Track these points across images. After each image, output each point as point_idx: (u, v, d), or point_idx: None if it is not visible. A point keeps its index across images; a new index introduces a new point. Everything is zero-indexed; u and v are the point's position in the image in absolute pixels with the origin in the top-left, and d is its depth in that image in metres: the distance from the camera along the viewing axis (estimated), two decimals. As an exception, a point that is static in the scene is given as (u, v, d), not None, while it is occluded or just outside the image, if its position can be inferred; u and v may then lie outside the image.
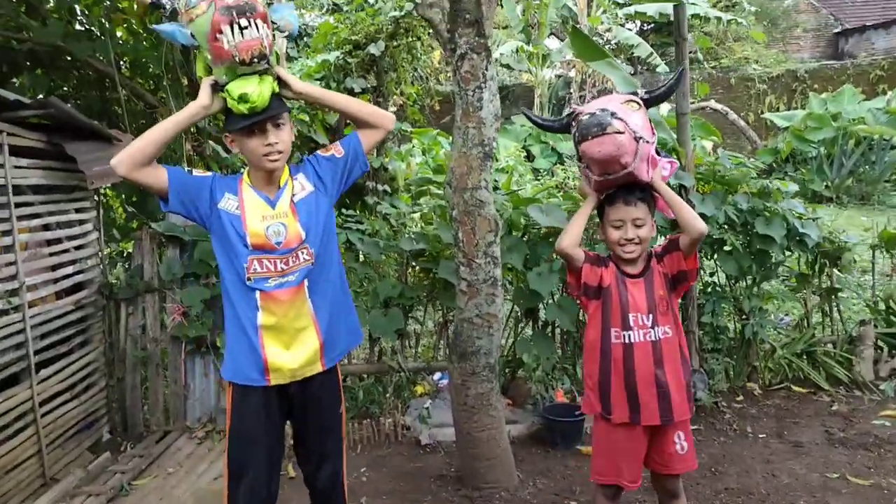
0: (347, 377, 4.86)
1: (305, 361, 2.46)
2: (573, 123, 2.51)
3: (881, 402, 4.53)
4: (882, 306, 5.05)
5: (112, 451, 4.28)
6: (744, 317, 4.68)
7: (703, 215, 4.38)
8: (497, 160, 12.24)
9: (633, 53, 16.29)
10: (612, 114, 2.37)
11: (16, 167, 3.76)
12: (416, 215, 6.88)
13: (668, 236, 2.55)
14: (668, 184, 2.66)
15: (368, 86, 6.12)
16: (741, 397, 4.64)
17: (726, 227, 4.49)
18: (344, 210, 5.09)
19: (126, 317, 4.62)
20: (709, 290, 4.74)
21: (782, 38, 22.50)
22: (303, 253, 2.43)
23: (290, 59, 6.68)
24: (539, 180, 12.41)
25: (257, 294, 2.40)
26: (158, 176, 2.35)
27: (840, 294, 4.96)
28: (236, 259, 2.40)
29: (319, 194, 2.51)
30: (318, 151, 2.61)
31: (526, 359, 4.58)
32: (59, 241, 4.24)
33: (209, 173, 2.52)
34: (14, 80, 6.12)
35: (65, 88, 6.56)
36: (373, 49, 5.90)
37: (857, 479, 3.58)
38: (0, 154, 3.62)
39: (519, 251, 4.46)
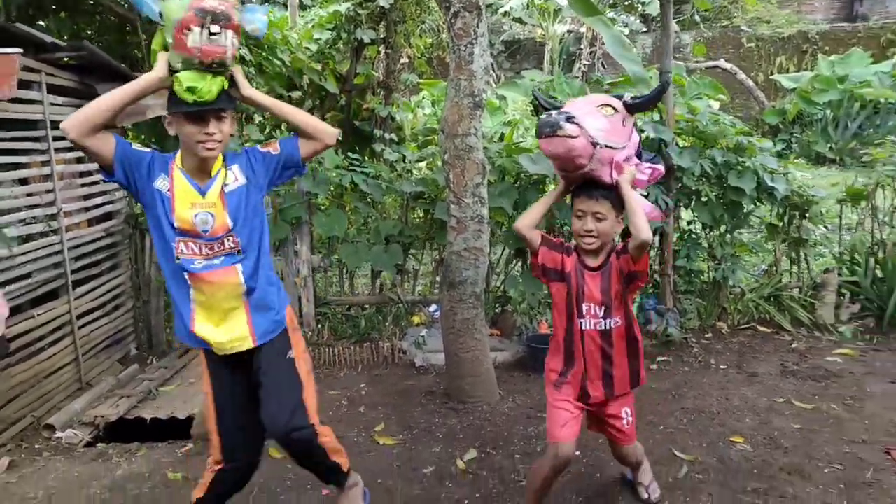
0: (351, 307, 5.33)
1: (234, 338, 2.51)
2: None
3: (838, 342, 4.94)
4: (847, 257, 5.44)
5: (139, 363, 4.79)
6: (716, 262, 5.08)
7: (680, 167, 4.78)
8: (504, 113, 12.53)
9: (644, 11, 16.36)
10: (570, 118, 2.44)
11: (52, 104, 4.17)
12: (423, 164, 7.25)
13: (625, 241, 2.58)
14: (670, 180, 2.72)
15: (378, 37, 6.43)
16: (710, 335, 5.08)
17: (703, 179, 4.85)
18: (350, 154, 5.48)
19: (150, 245, 5.07)
20: (685, 236, 5.14)
21: (796, -3, 22.33)
22: (229, 241, 2.47)
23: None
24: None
25: (185, 274, 2.45)
26: (106, 144, 2.33)
27: (809, 244, 5.33)
28: (166, 238, 2.44)
29: (251, 187, 2.52)
30: (258, 146, 2.63)
31: (513, 294, 5.01)
32: (89, 173, 4.67)
33: (148, 150, 2.49)
34: (40, 21, 6.48)
35: (87, 32, 6.90)
36: (382, 1, 6.20)
37: (800, 403, 4.02)
38: (39, 92, 4.04)
39: (510, 196, 4.86)
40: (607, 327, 2.65)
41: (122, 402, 4.12)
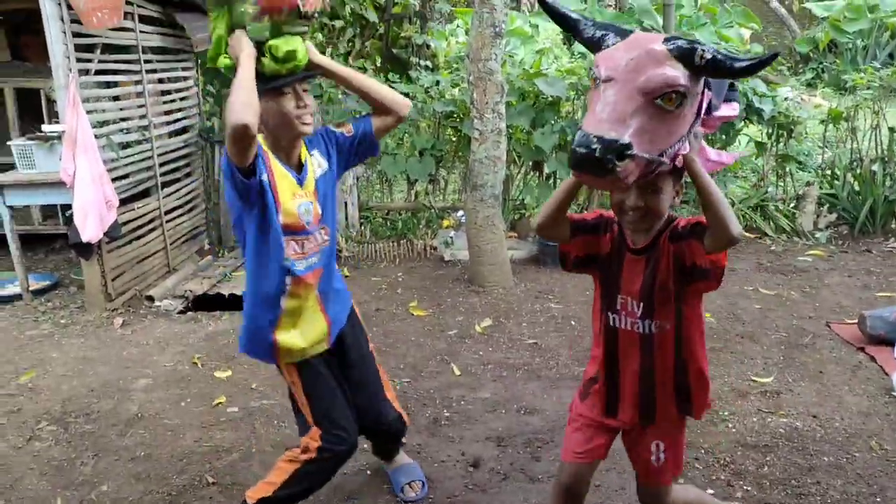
0: (390, 212, 6.17)
1: (315, 339, 2.31)
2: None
3: (813, 245, 5.67)
4: (828, 171, 6.10)
5: (213, 255, 5.72)
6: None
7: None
8: (536, 41, 12.99)
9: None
10: (622, 153, 1.52)
11: (142, 32, 4.97)
12: (456, 89, 7.95)
13: (699, 221, 1.78)
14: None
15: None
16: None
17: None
18: (389, 77, 6.21)
19: (219, 156, 5.93)
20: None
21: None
22: (322, 233, 2.28)
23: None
24: (573, 62, 13.17)
25: (288, 280, 2.20)
26: (255, 146, 2.02)
27: (793, 160, 5.99)
28: (273, 236, 2.16)
29: (330, 172, 2.33)
30: (330, 126, 2.40)
31: (528, 200, 5.80)
32: (169, 92, 5.50)
33: None
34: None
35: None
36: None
37: (765, 290, 4.79)
38: (132, 21, 4.83)
39: (527, 115, 5.60)
40: (646, 331, 1.91)
41: (204, 281, 5.05)
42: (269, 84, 2.09)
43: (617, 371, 1.99)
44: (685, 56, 1.55)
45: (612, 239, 1.95)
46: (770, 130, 5.88)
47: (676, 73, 1.55)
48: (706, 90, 1.70)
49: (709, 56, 1.54)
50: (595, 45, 1.68)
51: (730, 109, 1.88)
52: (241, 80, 1.99)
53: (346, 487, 2.75)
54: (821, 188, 5.95)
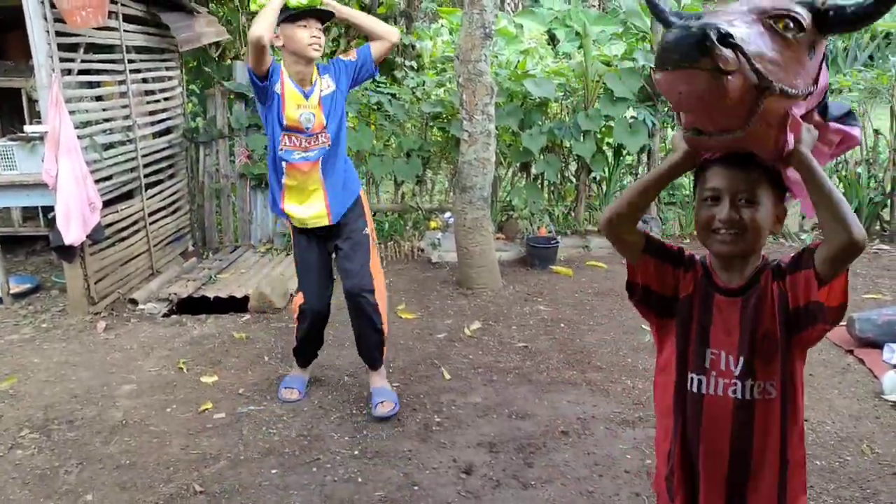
0: (376, 213, 6.12)
1: (314, 215, 3.17)
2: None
3: (798, 247, 5.68)
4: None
5: (196, 257, 5.64)
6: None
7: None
8: (521, 41, 12.98)
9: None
10: (724, 35, 1.20)
11: (125, 31, 4.89)
12: (441, 90, 7.93)
13: (807, 246, 1.45)
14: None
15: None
16: (688, 240, 5.84)
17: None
18: (377, 79, 6.17)
19: (203, 157, 5.87)
20: (669, 153, 5.83)
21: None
22: (322, 136, 3.09)
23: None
24: (557, 62, 13.19)
25: (283, 164, 3.09)
26: (268, 54, 2.90)
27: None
28: (274, 133, 3.07)
29: (338, 92, 3.11)
30: (340, 56, 3.20)
31: (517, 202, 5.78)
32: (153, 92, 5.42)
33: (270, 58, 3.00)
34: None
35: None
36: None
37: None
38: (116, 20, 4.75)
39: (515, 116, 5.58)
40: (747, 396, 1.51)
41: (189, 284, 4.98)
42: (291, 13, 2.89)
43: (697, 453, 1.56)
44: (807, 3, 1.37)
45: (696, 279, 1.56)
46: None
47: (795, 6, 1.35)
48: (824, 66, 1.45)
49: (827, 2, 1.37)
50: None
51: (852, 130, 1.59)
52: (267, 7, 2.84)
53: (336, 496, 2.70)
54: (806, 190, 5.97)
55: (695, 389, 1.55)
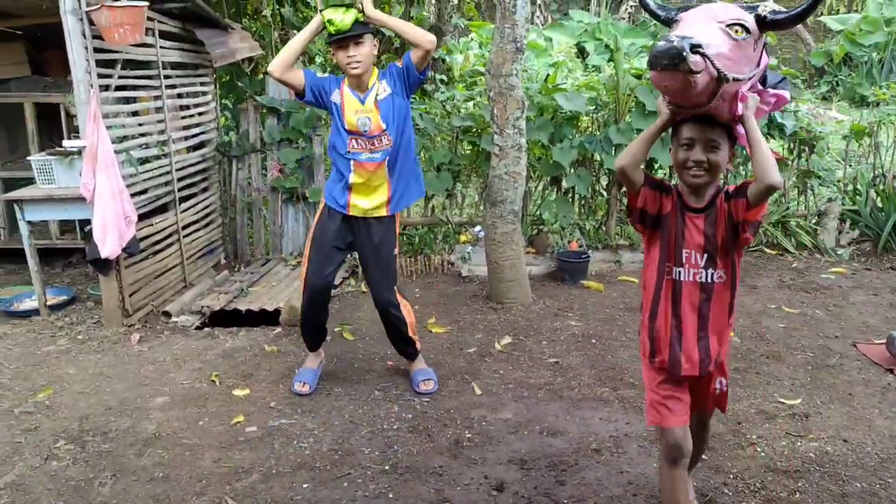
0: (406, 227, 6.13)
1: (376, 206, 3.48)
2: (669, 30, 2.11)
3: (835, 263, 5.59)
4: (850, 187, 6.02)
5: (228, 270, 5.69)
6: (730, 191, 5.72)
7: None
8: (550, 55, 12.98)
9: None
10: (694, 46, 1.88)
11: (162, 47, 4.97)
12: (471, 103, 7.94)
13: (745, 181, 2.18)
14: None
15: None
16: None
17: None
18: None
19: (236, 170, 5.93)
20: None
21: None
22: (384, 138, 3.37)
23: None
24: (587, 75, 13.16)
25: (352, 162, 3.40)
26: (298, 76, 3.36)
27: (815, 176, 5.91)
28: (341, 136, 3.40)
29: (395, 95, 3.38)
30: (396, 62, 3.46)
31: (547, 216, 5.75)
32: (187, 107, 5.50)
33: (327, 75, 3.48)
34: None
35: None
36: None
37: (789, 308, 4.71)
38: (153, 37, 4.83)
39: (546, 130, 5.55)
40: (708, 279, 2.22)
41: (221, 297, 5.02)
42: (329, 39, 3.30)
43: (678, 321, 2.27)
44: (751, 9, 2.07)
45: (674, 202, 2.26)
46: (791, 146, 5.81)
47: (744, 14, 2.05)
48: (764, 52, 2.15)
49: (767, 11, 2.05)
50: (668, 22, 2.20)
51: (783, 92, 2.32)
52: (293, 40, 3.37)
53: (368, 511, 2.70)
54: (842, 204, 5.87)
55: (675, 277, 2.26)
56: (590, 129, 5.85)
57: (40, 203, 4.65)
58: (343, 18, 3.20)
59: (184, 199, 5.32)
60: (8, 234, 5.87)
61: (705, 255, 2.21)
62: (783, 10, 2.07)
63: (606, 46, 15.78)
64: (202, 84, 5.62)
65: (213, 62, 5.38)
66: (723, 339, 2.30)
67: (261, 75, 7.00)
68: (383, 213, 3.50)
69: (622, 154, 2.25)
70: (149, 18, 4.65)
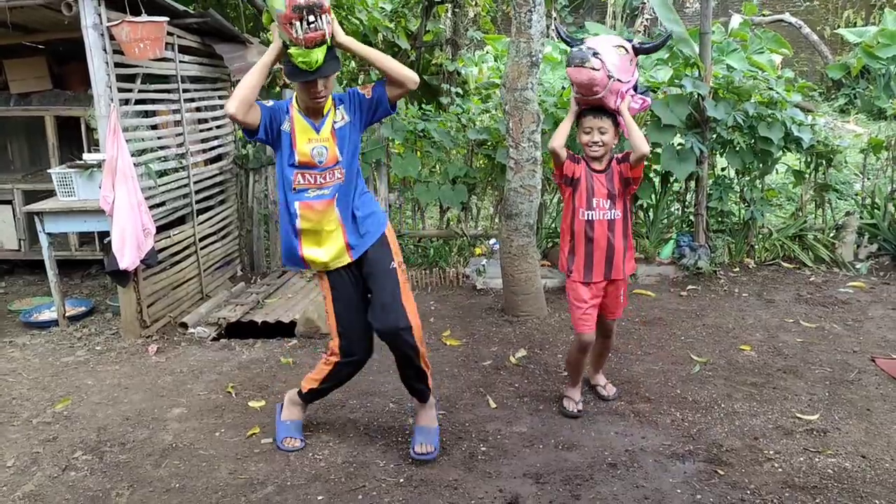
0: (421, 239, 6.15)
1: (334, 256, 2.99)
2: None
3: (853, 277, 5.54)
4: (868, 201, 5.97)
5: (244, 282, 5.73)
6: (746, 204, 5.71)
7: (714, 118, 5.39)
8: (564, 68, 12.98)
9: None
10: (595, 53, 3.02)
11: (181, 62, 5.03)
12: (486, 116, 7.97)
13: (627, 150, 3.26)
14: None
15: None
16: (737, 269, 5.73)
17: (735, 129, 5.45)
18: (423, 105, 6.23)
19: (253, 183, 5.98)
20: (718, 181, 5.76)
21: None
22: (336, 172, 2.92)
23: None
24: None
25: (296, 204, 2.91)
26: (256, 114, 2.80)
27: (833, 189, 5.88)
28: (285, 171, 2.91)
29: (353, 125, 2.95)
30: (358, 88, 2.99)
31: (562, 229, 5.75)
32: (206, 121, 5.56)
33: (270, 102, 2.91)
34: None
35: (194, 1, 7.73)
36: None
37: (806, 323, 4.67)
38: (172, 52, 4.90)
39: (562, 142, 5.56)
40: (612, 217, 3.29)
41: (237, 308, 5.05)
42: (293, 79, 2.76)
43: (592, 248, 3.33)
44: (629, 40, 3.25)
45: (583, 168, 3.32)
46: (809, 159, 5.78)
47: (624, 41, 3.20)
48: (637, 70, 3.29)
49: (636, 42, 3.24)
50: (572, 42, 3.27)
51: (647, 98, 3.35)
52: (250, 72, 2.79)
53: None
54: (860, 217, 5.83)
55: (588, 218, 3.31)
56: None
57: (60, 215, 4.71)
58: (316, 57, 2.67)
59: (201, 212, 5.37)
60: (28, 246, 5.94)
61: (609, 201, 3.29)
62: (649, 41, 3.48)
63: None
64: (220, 98, 5.68)
65: (231, 76, 5.45)
66: (627, 256, 3.39)
67: (277, 88, 7.06)
68: (346, 260, 3.03)
69: (554, 137, 3.28)
70: (168, 33, 4.72)
